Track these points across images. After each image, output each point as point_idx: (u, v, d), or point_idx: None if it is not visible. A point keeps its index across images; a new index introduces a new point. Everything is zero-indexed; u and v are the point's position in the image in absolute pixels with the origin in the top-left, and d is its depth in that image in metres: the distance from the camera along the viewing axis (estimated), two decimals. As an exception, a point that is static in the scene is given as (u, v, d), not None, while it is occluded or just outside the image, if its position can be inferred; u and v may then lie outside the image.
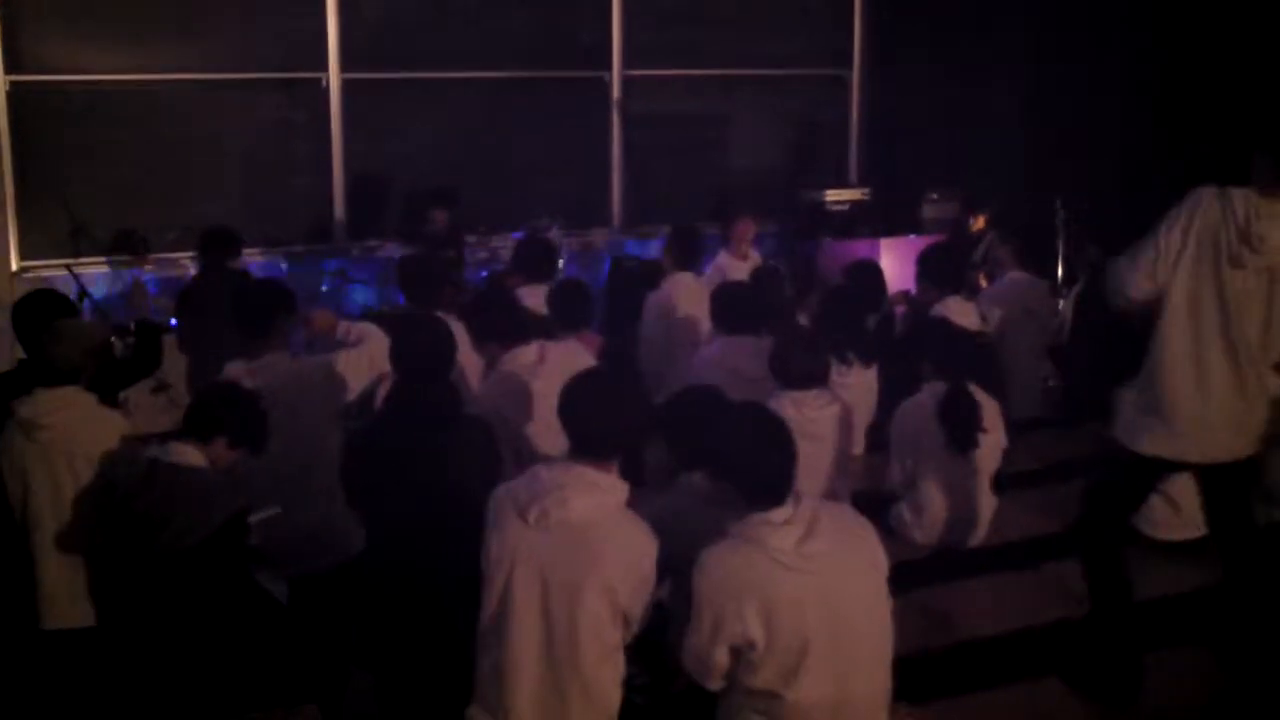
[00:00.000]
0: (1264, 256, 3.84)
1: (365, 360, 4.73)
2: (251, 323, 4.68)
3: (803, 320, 6.36)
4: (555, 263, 6.81)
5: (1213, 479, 4.18)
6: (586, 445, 3.34)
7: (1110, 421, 4.29)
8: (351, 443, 4.09)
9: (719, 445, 3.41)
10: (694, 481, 3.71)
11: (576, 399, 3.39)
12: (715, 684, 3.31)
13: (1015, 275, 7.02)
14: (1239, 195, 3.89)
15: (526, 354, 4.83)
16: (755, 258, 7.52)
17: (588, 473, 3.29)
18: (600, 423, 3.34)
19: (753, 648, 3.18)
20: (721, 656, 3.24)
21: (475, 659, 3.36)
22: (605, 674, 3.30)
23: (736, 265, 7.29)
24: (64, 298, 5.42)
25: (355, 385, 4.72)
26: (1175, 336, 3.99)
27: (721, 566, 3.21)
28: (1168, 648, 4.43)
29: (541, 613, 3.25)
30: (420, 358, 4.02)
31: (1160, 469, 4.20)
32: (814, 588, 3.18)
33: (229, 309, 4.78)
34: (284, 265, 8.32)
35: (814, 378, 4.86)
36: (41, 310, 5.00)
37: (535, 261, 6.46)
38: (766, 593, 3.16)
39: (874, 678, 3.32)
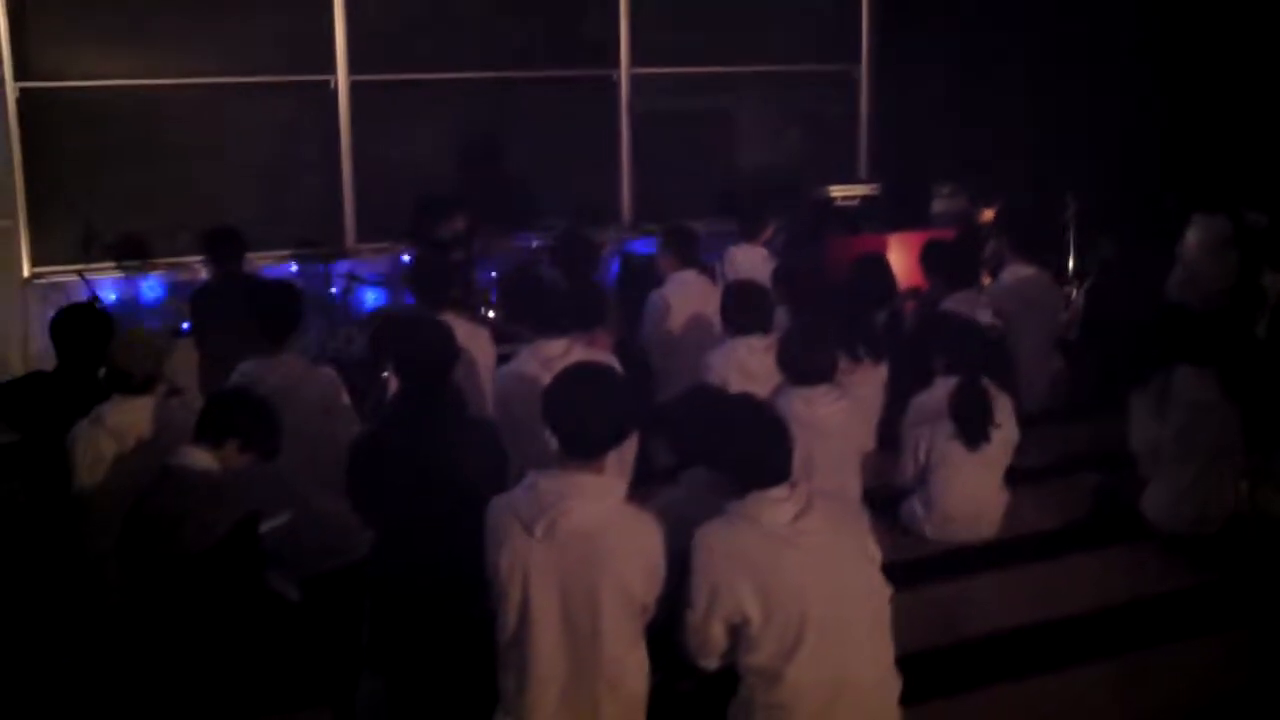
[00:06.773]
0: None
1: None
2: (264, 326, 4.70)
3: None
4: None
5: None
6: (574, 446, 3.30)
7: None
8: (357, 444, 4.09)
9: (715, 436, 3.45)
10: (698, 474, 3.71)
11: (560, 399, 3.35)
12: (712, 662, 3.35)
13: (1020, 269, 6.99)
14: None
15: (553, 347, 4.82)
16: None
17: (584, 479, 3.28)
18: (586, 422, 3.30)
19: (749, 624, 3.22)
20: (718, 632, 3.27)
21: (497, 673, 3.35)
22: (631, 666, 3.31)
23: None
24: (102, 315, 5.35)
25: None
26: None
27: (717, 542, 3.26)
28: (1178, 641, 4.44)
29: (563, 621, 3.25)
30: (423, 359, 4.02)
31: None
32: (809, 564, 3.22)
33: (242, 312, 4.79)
34: (294, 268, 8.32)
35: (821, 373, 4.84)
36: (82, 325, 4.97)
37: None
38: (761, 567, 3.21)
39: (876, 661, 3.34)
